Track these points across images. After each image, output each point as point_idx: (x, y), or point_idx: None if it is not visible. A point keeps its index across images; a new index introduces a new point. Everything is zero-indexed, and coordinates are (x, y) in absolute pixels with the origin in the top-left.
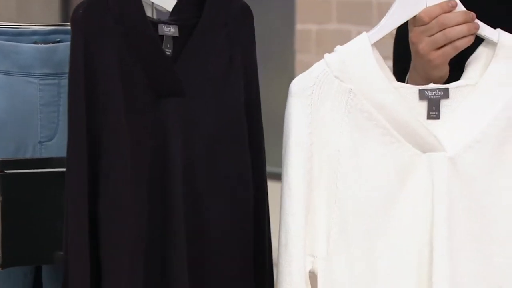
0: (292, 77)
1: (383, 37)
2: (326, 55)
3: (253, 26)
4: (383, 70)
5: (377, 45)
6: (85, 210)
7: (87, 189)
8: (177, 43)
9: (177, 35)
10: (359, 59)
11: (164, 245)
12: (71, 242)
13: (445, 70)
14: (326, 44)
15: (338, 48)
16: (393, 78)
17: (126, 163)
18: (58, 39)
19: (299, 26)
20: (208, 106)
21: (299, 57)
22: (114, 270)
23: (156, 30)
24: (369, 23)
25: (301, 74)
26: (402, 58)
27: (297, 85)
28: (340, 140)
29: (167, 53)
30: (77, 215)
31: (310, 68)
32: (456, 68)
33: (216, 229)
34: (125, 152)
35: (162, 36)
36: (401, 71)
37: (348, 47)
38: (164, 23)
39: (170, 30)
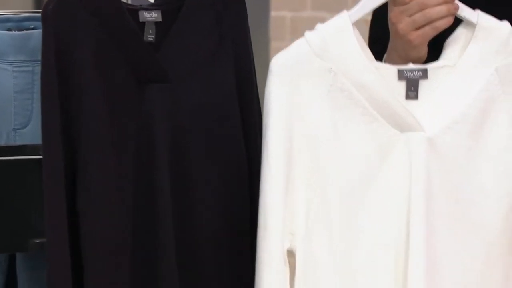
0: (266, 65)
1: (357, 23)
2: (307, 33)
3: (242, 1)
4: (364, 50)
5: None
6: (61, 203)
7: (64, 180)
8: (161, 28)
9: (160, 20)
10: (340, 38)
11: (151, 243)
12: (51, 232)
13: (424, 51)
14: (301, 31)
15: (319, 26)
16: (373, 58)
17: (106, 153)
18: (32, 26)
19: (273, 13)
20: (196, 90)
21: (274, 45)
22: (97, 264)
23: (137, 16)
24: (343, 10)
25: (282, 52)
26: (379, 39)
27: (277, 63)
28: (320, 119)
29: (149, 39)
30: (55, 207)
31: (291, 46)
32: (435, 49)
33: (209, 224)
34: (105, 141)
35: (144, 22)
36: (377, 52)
37: (329, 25)
38: (145, 9)
39: (152, 16)
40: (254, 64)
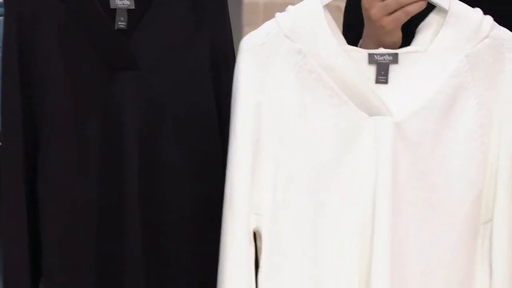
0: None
1: (331, 10)
2: (278, 14)
3: None
4: (334, 32)
5: None
6: (21, 193)
7: (24, 168)
8: (134, 16)
9: (133, 7)
10: (310, 19)
11: (116, 231)
12: (7, 224)
13: (397, 36)
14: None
15: (290, 8)
16: (343, 41)
17: (70, 140)
18: None
19: None
20: (168, 78)
21: (247, 30)
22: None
23: (107, 3)
24: None
25: (252, 32)
26: (353, 25)
27: (247, 43)
28: (288, 100)
29: (120, 26)
30: (13, 195)
31: (261, 27)
32: (410, 35)
33: (178, 215)
34: (69, 128)
35: (115, 9)
36: (352, 38)
37: (300, 7)
38: None
39: (124, 3)
40: (233, 53)
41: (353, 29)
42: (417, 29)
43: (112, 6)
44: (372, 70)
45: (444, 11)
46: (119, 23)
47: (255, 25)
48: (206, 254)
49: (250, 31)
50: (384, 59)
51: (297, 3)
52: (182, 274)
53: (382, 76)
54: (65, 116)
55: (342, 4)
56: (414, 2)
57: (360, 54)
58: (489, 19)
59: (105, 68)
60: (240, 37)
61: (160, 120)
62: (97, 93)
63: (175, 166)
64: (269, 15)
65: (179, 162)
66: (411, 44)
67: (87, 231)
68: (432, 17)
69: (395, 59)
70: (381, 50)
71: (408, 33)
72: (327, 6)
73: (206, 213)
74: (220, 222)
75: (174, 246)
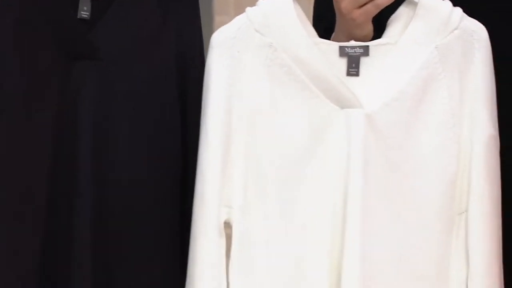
0: (210, 38)
1: (301, 1)
2: (248, 9)
3: None
4: (304, 25)
5: None
6: None
7: None
8: (99, 7)
9: None
10: (280, 13)
11: (67, 239)
12: None
13: (368, 29)
14: (245, 6)
15: (260, 1)
16: (314, 33)
17: (21, 127)
18: None
19: None
20: (131, 71)
21: (218, 19)
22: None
23: None
24: None
25: (223, 27)
26: (323, 18)
27: (218, 38)
28: (259, 94)
29: (83, 16)
30: None
31: (232, 21)
32: (380, 27)
33: (130, 212)
34: (20, 116)
35: None
36: (323, 30)
37: (270, 1)
38: None
39: None
40: (202, 48)
41: (324, 21)
42: (388, 22)
43: None
44: (343, 62)
45: (414, 4)
46: (82, 12)
47: (226, 14)
48: (161, 249)
49: (221, 19)
50: (355, 52)
51: None
52: (133, 268)
53: (353, 68)
54: (16, 103)
55: None
56: None
57: (331, 46)
58: (458, 10)
59: (64, 57)
60: (211, 27)
61: (118, 111)
62: (53, 81)
63: (130, 161)
64: (239, 4)
65: (134, 157)
66: (381, 37)
67: (34, 225)
68: (402, 10)
69: (366, 51)
70: (352, 43)
71: (379, 25)
72: None
73: (162, 207)
74: (176, 214)
75: (126, 243)
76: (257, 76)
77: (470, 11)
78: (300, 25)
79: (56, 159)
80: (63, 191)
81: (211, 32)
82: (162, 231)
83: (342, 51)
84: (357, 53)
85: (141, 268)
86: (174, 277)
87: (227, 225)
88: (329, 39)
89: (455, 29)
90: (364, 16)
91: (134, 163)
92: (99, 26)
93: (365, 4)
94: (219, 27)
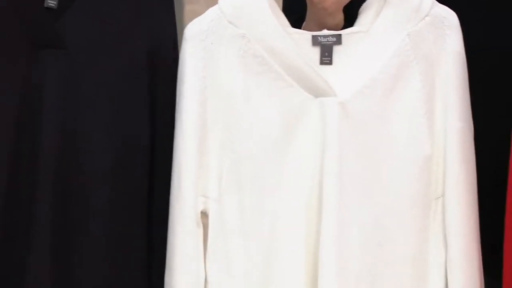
0: (181, 27)
1: None
2: (220, 1)
3: None
4: (277, 16)
5: None
6: None
7: None
8: None
9: None
10: (252, 4)
11: (26, 233)
12: None
13: (339, 18)
14: None
15: None
16: (287, 24)
17: None
18: None
19: None
20: (98, 61)
21: (188, 8)
22: None
23: None
24: None
25: (196, 19)
26: (294, 7)
27: (191, 30)
28: (233, 85)
29: (50, 4)
30: None
31: (205, 13)
32: (351, 15)
33: (97, 209)
34: None
35: None
36: (294, 20)
37: None
38: None
39: None
40: (175, 42)
41: (294, 10)
42: (360, 10)
43: None
44: (316, 51)
45: None
46: (49, 1)
47: (197, 2)
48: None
49: (191, 8)
50: (328, 41)
51: None
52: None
53: (326, 57)
54: None
55: None
56: None
57: (303, 36)
58: None
59: (30, 45)
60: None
61: (83, 100)
62: (17, 69)
63: (95, 151)
64: None
65: (99, 147)
66: (353, 25)
67: None
68: None
69: (338, 40)
70: (325, 32)
71: (350, 14)
72: None
73: (129, 198)
74: (142, 204)
75: (88, 236)
76: (231, 67)
77: None
78: (273, 16)
79: (18, 147)
80: (24, 182)
81: (181, 20)
82: (128, 223)
83: (315, 40)
84: (330, 42)
85: (104, 264)
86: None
87: (204, 215)
88: (300, 28)
89: (426, 16)
90: (336, 5)
91: (99, 153)
92: (66, 16)
93: None
94: (189, 16)
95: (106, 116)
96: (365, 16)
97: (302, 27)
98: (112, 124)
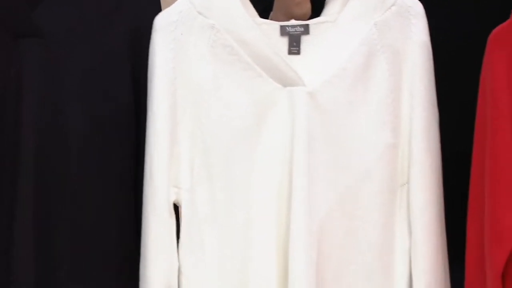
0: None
1: None
2: None
3: None
4: (246, 6)
5: None
6: None
7: None
8: None
9: None
10: None
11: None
12: None
13: (306, 7)
14: None
15: None
16: (255, 14)
17: None
18: None
19: None
20: (77, 50)
21: None
22: None
23: None
24: None
25: (165, 10)
26: None
27: (161, 21)
28: (203, 75)
29: None
30: None
31: (174, 4)
32: (318, 5)
33: (78, 198)
34: None
35: None
36: (261, 10)
37: None
38: None
39: None
40: None
41: (262, 0)
42: (326, 0)
43: None
44: (284, 41)
45: None
46: None
47: None
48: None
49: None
50: (296, 31)
51: None
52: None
53: (294, 47)
54: None
55: None
56: None
57: (272, 26)
58: None
59: (7, 35)
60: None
61: (63, 89)
62: None
63: (78, 140)
64: None
65: (82, 137)
66: (321, 15)
67: None
68: None
69: (306, 30)
70: (292, 22)
71: (317, 4)
72: None
73: (115, 187)
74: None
75: (72, 221)
76: (201, 57)
77: None
78: (241, 6)
79: None
80: (5, 172)
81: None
82: (113, 213)
83: (283, 31)
84: (298, 32)
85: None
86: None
87: (176, 205)
88: (267, 18)
89: (392, 5)
90: None
91: (81, 141)
92: (44, 4)
93: None
94: (163, 4)
95: (88, 104)
96: (332, 6)
97: (270, 17)
98: (94, 112)
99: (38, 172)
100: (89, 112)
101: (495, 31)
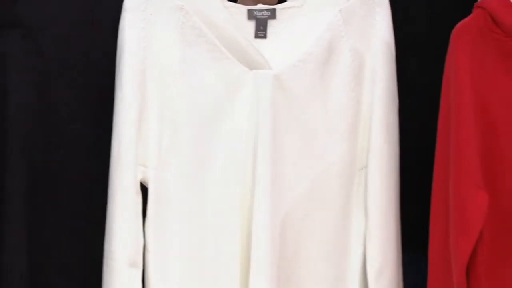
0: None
1: None
2: None
3: None
4: None
5: None
6: None
7: None
8: None
9: None
10: None
11: None
12: None
13: None
14: None
15: None
16: None
17: None
18: None
19: None
20: (60, 39)
21: None
22: None
23: None
24: None
25: None
26: None
27: (130, 2)
28: (172, 55)
29: None
30: None
31: None
32: None
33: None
34: None
35: None
36: None
37: None
38: None
39: None
40: None
41: None
42: None
43: None
44: (251, 25)
45: None
46: None
47: None
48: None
49: None
50: (263, 15)
51: None
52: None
53: (261, 31)
54: None
55: None
56: None
57: (239, 10)
58: None
59: None
60: None
61: (50, 80)
62: None
63: (66, 133)
64: None
65: (70, 126)
66: (287, 0)
67: None
68: None
69: (273, 14)
70: (260, 6)
71: None
72: None
73: (102, 180)
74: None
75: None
76: (169, 37)
77: None
78: None
79: None
80: None
81: None
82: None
83: (251, 14)
84: (265, 16)
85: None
86: None
87: (143, 184)
88: (236, 2)
89: None
90: None
91: (67, 129)
92: None
93: None
94: None
95: (74, 93)
96: None
97: (238, 1)
98: (82, 101)
99: (26, 163)
100: (76, 102)
101: (458, 26)
